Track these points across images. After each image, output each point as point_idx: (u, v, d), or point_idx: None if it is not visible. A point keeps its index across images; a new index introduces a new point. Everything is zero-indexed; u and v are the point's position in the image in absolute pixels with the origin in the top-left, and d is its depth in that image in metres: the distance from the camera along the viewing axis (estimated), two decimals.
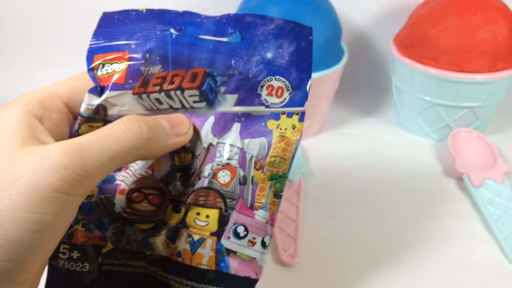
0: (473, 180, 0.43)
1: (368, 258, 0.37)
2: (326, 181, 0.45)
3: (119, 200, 0.26)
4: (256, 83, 0.25)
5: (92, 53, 0.25)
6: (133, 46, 0.25)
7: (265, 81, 0.25)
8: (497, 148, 0.47)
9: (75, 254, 0.26)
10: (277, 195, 0.25)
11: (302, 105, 0.25)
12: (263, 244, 0.25)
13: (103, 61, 0.25)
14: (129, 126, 0.22)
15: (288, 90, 0.25)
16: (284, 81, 0.25)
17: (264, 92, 0.25)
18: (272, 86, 0.25)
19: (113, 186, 0.26)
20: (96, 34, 0.25)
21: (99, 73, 0.24)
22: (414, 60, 0.47)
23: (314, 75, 0.46)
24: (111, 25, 0.25)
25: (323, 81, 0.47)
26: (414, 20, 0.49)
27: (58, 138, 0.24)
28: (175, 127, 0.24)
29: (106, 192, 0.26)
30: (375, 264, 0.36)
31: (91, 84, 0.25)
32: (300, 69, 0.25)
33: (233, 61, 0.25)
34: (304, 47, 0.25)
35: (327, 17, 0.47)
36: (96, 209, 0.26)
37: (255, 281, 0.25)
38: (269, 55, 0.25)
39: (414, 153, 0.50)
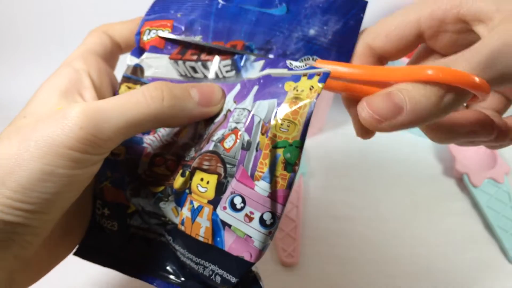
0: (473, 180, 0.43)
1: (368, 258, 0.37)
2: (326, 181, 0.45)
3: (143, 163, 0.26)
4: (292, 59, 0.23)
5: (143, 20, 0.26)
6: (178, 15, 0.25)
7: (301, 60, 0.23)
8: None
9: (106, 211, 0.26)
10: (289, 168, 0.21)
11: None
12: (262, 221, 0.22)
13: (150, 27, 0.26)
14: (151, 93, 0.22)
15: None
16: None
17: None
18: (309, 63, 0.23)
19: (140, 148, 0.26)
20: (153, 6, 0.27)
21: (144, 38, 0.26)
22: None
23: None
24: None
25: None
26: None
27: (104, 89, 0.25)
28: (205, 97, 0.24)
29: (133, 153, 0.26)
30: (375, 264, 0.36)
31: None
32: (341, 50, 0.23)
33: (272, 36, 0.24)
34: (351, 26, 0.23)
35: None
36: (121, 168, 0.26)
37: (249, 264, 0.22)
38: (311, 32, 0.23)
39: (414, 153, 0.50)
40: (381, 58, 0.23)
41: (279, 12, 0.24)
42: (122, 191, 0.26)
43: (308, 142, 0.51)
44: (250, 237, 0.22)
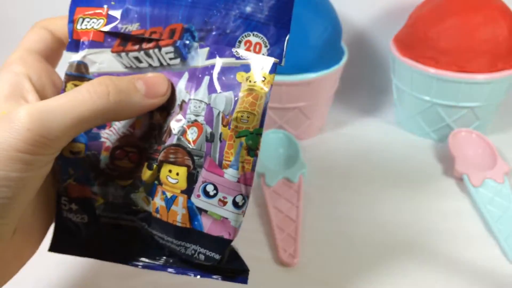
0: (473, 180, 0.43)
1: (368, 258, 0.37)
2: (326, 181, 0.45)
3: (104, 157, 0.26)
4: (234, 38, 0.24)
5: (74, 4, 0.25)
6: (112, 3, 0.25)
7: (243, 37, 0.24)
8: (497, 148, 0.47)
9: (73, 206, 0.27)
10: (251, 153, 0.24)
11: (279, 60, 0.24)
12: (235, 204, 0.24)
13: (83, 15, 0.25)
14: (96, 89, 0.22)
15: (266, 46, 0.24)
16: (262, 37, 0.24)
17: (242, 48, 0.24)
18: (250, 41, 0.24)
19: (99, 143, 0.26)
20: None
21: (78, 26, 0.25)
22: (414, 60, 0.47)
23: (314, 75, 0.46)
24: None
25: (323, 81, 0.47)
26: (414, 20, 0.49)
27: (46, 89, 0.25)
28: (151, 89, 0.24)
29: (92, 148, 0.26)
30: (375, 264, 0.36)
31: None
32: (278, 25, 0.24)
33: (210, 16, 0.24)
34: (285, 0, 0.24)
35: (327, 17, 0.47)
36: (83, 165, 0.26)
37: (228, 241, 0.25)
38: (248, 9, 0.24)
39: (414, 153, 0.50)
40: None
41: None
42: (88, 186, 0.26)
43: (308, 142, 0.51)
44: (226, 218, 0.24)
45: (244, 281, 0.26)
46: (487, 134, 0.51)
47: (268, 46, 0.24)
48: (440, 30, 0.46)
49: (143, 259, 0.28)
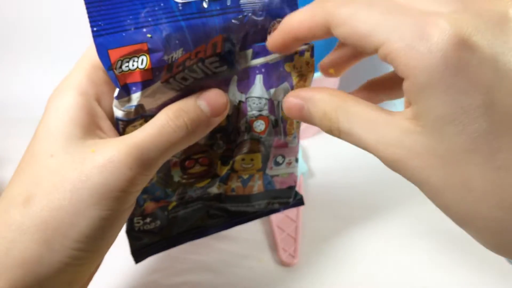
0: None
1: (368, 258, 0.37)
2: (326, 181, 0.45)
3: (176, 171, 0.28)
4: (264, 31, 0.25)
5: (104, 47, 0.22)
6: (148, 35, 0.22)
7: (270, 27, 0.25)
8: None
9: (147, 220, 0.29)
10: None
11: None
12: (296, 160, 0.30)
13: (121, 57, 0.22)
14: (176, 123, 0.23)
15: None
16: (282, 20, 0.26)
17: None
18: (276, 29, 0.25)
19: (166, 163, 0.27)
20: (92, 16, 0.22)
21: (118, 70, 0.22)
22: None
23: (314, 75, 0.46)
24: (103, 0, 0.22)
25: (323, 81, 0.47)
26: None
27: (111, 111, 0.24)
28: (214, 106, 0.24)
29: (162, 171, 0.27)
30: (375, 264, 0.36)
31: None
32: (289, 3, 0.25)
33: (242, 18, 0.25)
34: None
35: None
36: (159, 186, 0.28)
37: (294, 187, 0.31)
38: None
39: None
40: None
41: None
42: (165, 199, 0.29)
43: (308, 142, 0.51)
44: (292, 173, 0.31)
45: (302, 203, 0.33)
46: None
47: None
48: None
49: (215, 227, 0.32)
